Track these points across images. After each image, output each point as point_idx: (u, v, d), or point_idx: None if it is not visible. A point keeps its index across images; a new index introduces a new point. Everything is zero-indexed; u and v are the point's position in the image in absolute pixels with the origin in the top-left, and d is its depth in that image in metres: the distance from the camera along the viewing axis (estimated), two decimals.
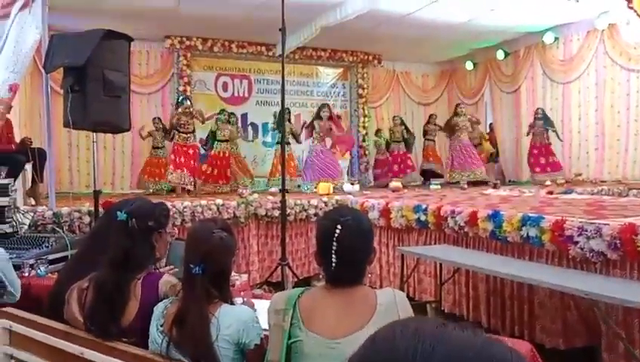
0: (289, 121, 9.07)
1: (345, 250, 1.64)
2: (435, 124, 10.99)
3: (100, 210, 4.55)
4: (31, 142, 6.19)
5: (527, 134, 9.85)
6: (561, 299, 3.88)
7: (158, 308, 1.84)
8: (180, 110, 8.19)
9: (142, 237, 2.01)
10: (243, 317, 1.80)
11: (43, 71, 5.30)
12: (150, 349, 1.82)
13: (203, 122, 8.55)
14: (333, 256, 1.63)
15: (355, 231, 1.67)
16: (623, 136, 9.11)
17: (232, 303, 1.87)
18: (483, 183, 9.63)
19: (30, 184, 6.05)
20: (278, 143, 9.51)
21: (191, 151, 8.15)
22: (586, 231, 3.64)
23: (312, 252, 6.46)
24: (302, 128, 9.39)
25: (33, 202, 5.96)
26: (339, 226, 1.64)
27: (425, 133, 11.20)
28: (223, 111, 9.31)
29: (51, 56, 4.31)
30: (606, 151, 9.35)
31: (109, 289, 1.91)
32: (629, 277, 3.42)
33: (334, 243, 1.63)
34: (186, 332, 1.72)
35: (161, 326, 1.79)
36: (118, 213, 2.00)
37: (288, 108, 9.18)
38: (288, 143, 9.13)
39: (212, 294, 1.80)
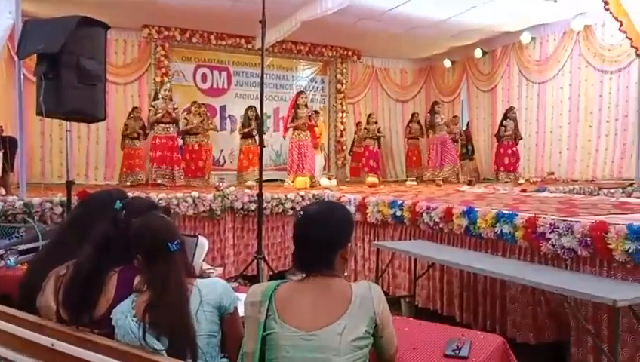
0: (256, 119, 9.02)
1: (302, 237, 1.75)
2: (418, 123, 11.09)
3: (74, 200, 4.47)
4: (2, 130, 6.06)
5: (499, 139, 9.93)
6: (532, 294, 3.95)
7: (125, 304, 1.84)
8: (160, 96, 8.09)
9: (124, 232, 1.99)
10: (221, 282, 1.96)
11: (16, 57, 5.17)
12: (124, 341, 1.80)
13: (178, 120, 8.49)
14: (297, 240, 1.77)
15: (315, 218, 1.76)
16: (594, 136, 9.30)
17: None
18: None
19: (0, 173, 5.92)
20: (242, 137, 9.49)
21: (170, 143, 8.07)
22: (558, 228, 3.70)
23: (287, 246, 6.48)
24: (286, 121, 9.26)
25: (3, 191, 5.84)
26: (301, 213, 1.79)
27: (408, 132, 11.26)
28: (194, 103, 9.24)
29: (25, 42, 4.21)
30: (578, 151, 9.53)
31: (87, 271, 1.90)
32: (599, 273, 3.49)
33: (298, 229, 1.77)
34: (163, 305, 1.76)
35: (134, 316, 1.78)
36: (118, 200, 2.06)
37: (255, 107, 9.12)
38: (252, 136, 9.12)
39: (187, 267, 1.95)
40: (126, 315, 1.80)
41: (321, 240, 1.73)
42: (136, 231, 1.90)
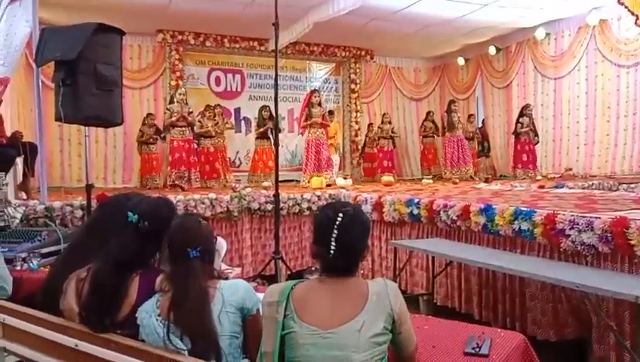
0: (270, 118, 9.05)
1: (345, 238, 1.68)
2: (432, 121, 11.03)
3: (93, 203, 4.53)
4: (22, 136, 6.14)
5: (517, 136, 9.83)
6: (552, 291, 3.91)
7: (149, 304, 1.86)
8: (175, 100, 8.18)
9: (153, 239, 2.02)
10: (243, 284, 1.96)
11: (34, 65, 5.25)
12: (149, 341, 1.82)
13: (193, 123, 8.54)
14: (333, 242, 1.67)
15: (356, 221, 1.73)
16: (612, 131, 9.18)
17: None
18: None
19: (21, 178, 6.00)
20: (256, 138, 9.51)
21: (187, 146, 8.14)
22: (578, 224, 3.66)
23: (305, 246, 6.49)
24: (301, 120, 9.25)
25: (25, 196, 5.92)
26: (340, 214, 1.70)
27: (423, 130, 11.19)
28: (208, 106, 9.30)
29: (42, 49, 4.27)
30: (596, 146, 9.42)
31: (110, 287, 1.91)
32: (620, 270, 3.45)
33: (335, 231, 1.68)
34: (186, 308, 1.77)
35: (159, 316, 1.81)
36: (129, 213, 2.00)
37: (268, 106, 9.16)
38: (268, 138, 9.15)
39: (210, 272, 1.95)
40: (150, 314, 1.82)
41: (361, 242, 1.75)
42: (171, 230, 1.94)
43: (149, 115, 9.21)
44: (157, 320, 1.80)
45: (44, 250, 3.46)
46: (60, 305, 2.02)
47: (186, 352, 1.74)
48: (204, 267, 1.91)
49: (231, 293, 1.87)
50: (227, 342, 1.81)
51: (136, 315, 1.85)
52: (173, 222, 1.98)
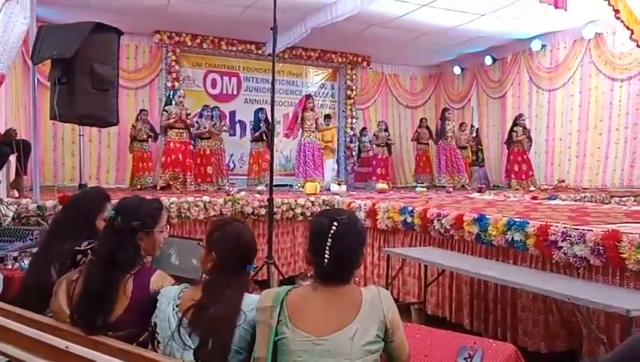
0: (265, 121, 9.08)
1: (339, 248, 1.68)
2: (427, 128, 11.05)
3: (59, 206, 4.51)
4: (16, 133, 6.09)
5: (509, 145, 9.86)
6: (544, 302, 3.92)
7: (173, 290, 1.86)
8: (173, 102, 8.16)
9: (126, 236, 2.00)
10: None
11: (30, 62, 5.23)
12: (159, 327, 1.81)
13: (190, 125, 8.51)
14: (327, 252, 1.67)
15: (351, 230, 1.73)
16: (604, 144, 9.25)
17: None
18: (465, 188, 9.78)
19: (14, 176, 5.96)
20: (252, 141, 9.50)
21: (183, 148, 8.11)
22: (570, 236, 3.68)
23: (297, 251, 6.47)
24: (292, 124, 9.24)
25: (17, 194, 5.87)
26: (335, 223, 1.69)
27: (417, 137, 11.21)
28: (205, 107, 9.27)
29: (39, 47, 4.27)
30: (587, 158, 9.49)
31: (97, 285, 1.90)
32: (611, 282, 3.46)
33: (329, 240, 1.67)
34: (211, 314, 1.75)
35: (177, 306, 1.80)
36: (111, 209, 2.04)
37: (264, 108, 9.17)
38: (263, 140, 9.14)
39: (247, 285, 1.92)
40: (169, 302, 1.82)
41: (356, 251, 1.74)
42: (226, 235, 1.90)
43: (142, 110, 9.14)
44: (174, 309, 1.79)
45: (36, 250, 3.43)
46: (50, 305, 2.01)
47: (192, 350, 1.73)
48: (249, 281, 1.91)
49: (250, 309, 1.81)
50: (229, 356, 1.77)
51: (157, 297, 1.84)
52: (226, 228, 1.94)
